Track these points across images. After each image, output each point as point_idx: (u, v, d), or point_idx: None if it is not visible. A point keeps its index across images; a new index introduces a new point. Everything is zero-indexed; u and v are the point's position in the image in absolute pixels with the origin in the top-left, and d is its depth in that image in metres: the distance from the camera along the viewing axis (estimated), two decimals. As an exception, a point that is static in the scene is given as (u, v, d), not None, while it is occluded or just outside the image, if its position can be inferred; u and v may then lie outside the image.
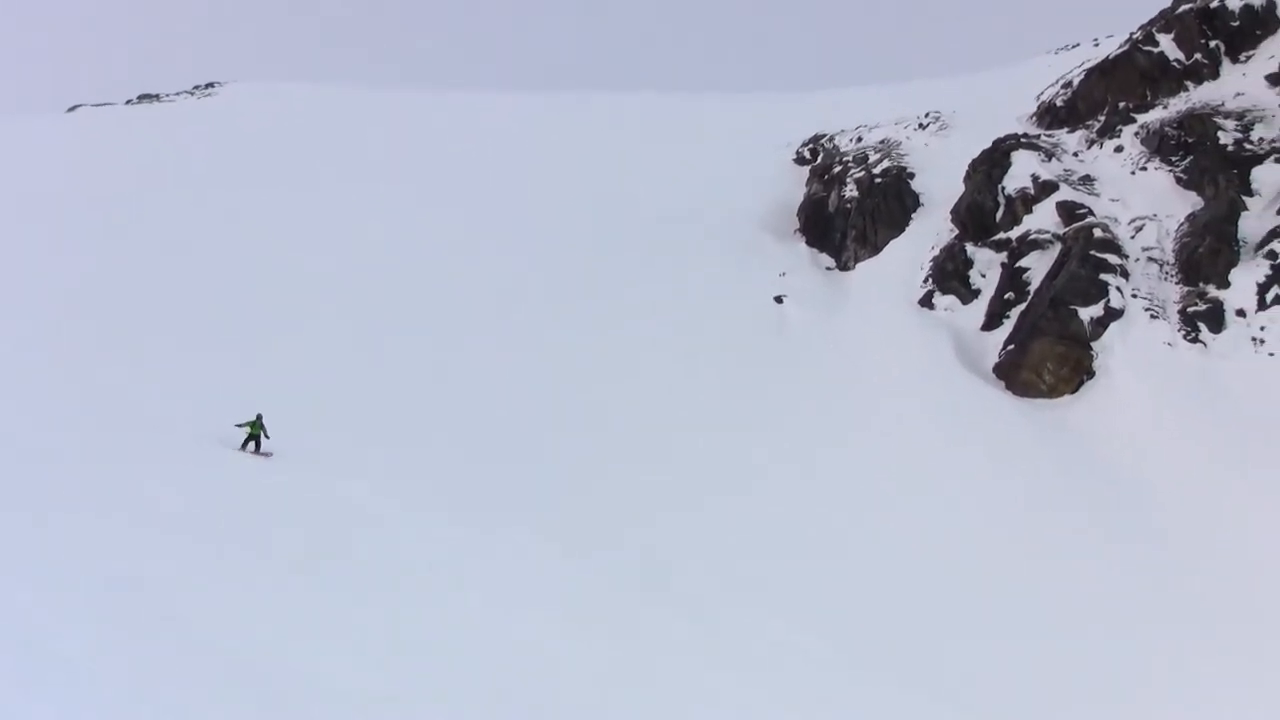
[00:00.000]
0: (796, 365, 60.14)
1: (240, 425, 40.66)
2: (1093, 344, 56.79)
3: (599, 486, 45.79)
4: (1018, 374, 57.22)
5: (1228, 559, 44.00)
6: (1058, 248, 60.81)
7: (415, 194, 78.32)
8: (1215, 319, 57.05)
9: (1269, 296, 57.24)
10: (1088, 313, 57.33)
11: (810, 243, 73.53)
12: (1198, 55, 68.50)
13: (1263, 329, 56.29)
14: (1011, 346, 58.40)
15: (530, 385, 54.41)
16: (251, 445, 40.57)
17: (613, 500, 44.59)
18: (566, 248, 70.61)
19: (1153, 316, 57.34)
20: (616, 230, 74.09)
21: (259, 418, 40.82)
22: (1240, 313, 57.18)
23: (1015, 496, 48.73)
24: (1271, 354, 55.27)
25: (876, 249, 69.17)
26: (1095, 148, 67.42)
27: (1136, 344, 56.20)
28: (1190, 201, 61.98)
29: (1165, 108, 67.21)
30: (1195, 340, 56.44)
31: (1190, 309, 57.68)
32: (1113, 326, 56.96)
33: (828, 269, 70.59)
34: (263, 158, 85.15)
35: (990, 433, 53.30)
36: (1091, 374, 56.34)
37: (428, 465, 43.86)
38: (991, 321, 60.90)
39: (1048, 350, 57.04)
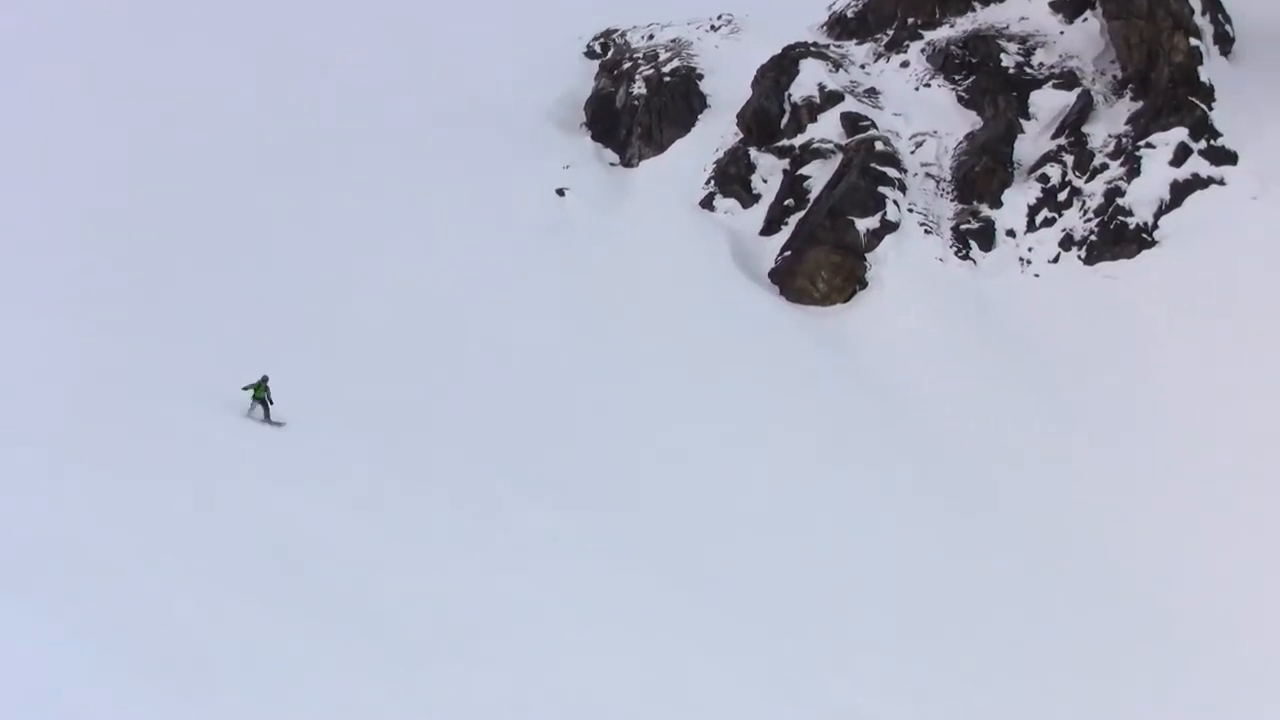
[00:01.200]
0: (576, 259, 59.30)
1: (246, 388, 37.94)
2: (867, 255, 57.39)
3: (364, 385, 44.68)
4: (792, 280, 57.56)
5: (984, 470, 45.53)
6: (839, 158, 61.04)
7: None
8: (986, 237, 58.31)
9: (1038, 219, 58.71)
10: (864, 224, 57.83)
11: (596, 137, 72.45)
12: (987, -24, 69.18)
13: (1030, 250, 57.78)
14: (788, 253, 58.65)
15: (298, 280, 52.00)
16: (259, 410, 37.81)
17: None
18: (337, 132, 67.49)
19: (927, 232, 58.23)
20: (396, 113, 71.60)
21: (264, 380, 37.91)
22: (1010, 233, 58.54)
23: (783, 400, 49.16)
24: (1037, 275, 56.80)
25: (661, 148, 68.53)
26: (882, 61, 67.74)
27: (909, 258, 57.01)
28: (970, 121, 62.93)
29: (952, 26, 67.72)
30: (966, 257, 57.60)
31: (963, 226, 58.77)
32: (888, 239, 57.62)
33: (612, 165, 69.70)
34: None
35: (762, 336, 53.61)
36: (864, 284, 57.00)
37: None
38: (770, 227, 60.97)
39: (823, 259, 57.48)
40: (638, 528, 38.12)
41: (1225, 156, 57.85)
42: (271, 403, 37.92)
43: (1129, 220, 56.84)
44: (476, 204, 62.02)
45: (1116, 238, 56.82)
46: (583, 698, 25.64)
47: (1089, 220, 57.73)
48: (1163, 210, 56.89)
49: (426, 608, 27.11)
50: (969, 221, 58.80)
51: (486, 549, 33.15)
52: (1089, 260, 56.83)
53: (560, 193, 64.77)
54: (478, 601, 28.93)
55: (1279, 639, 37.29)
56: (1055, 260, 57.21)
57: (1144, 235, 56.53)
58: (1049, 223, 58.45)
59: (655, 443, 44.47)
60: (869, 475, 44.94)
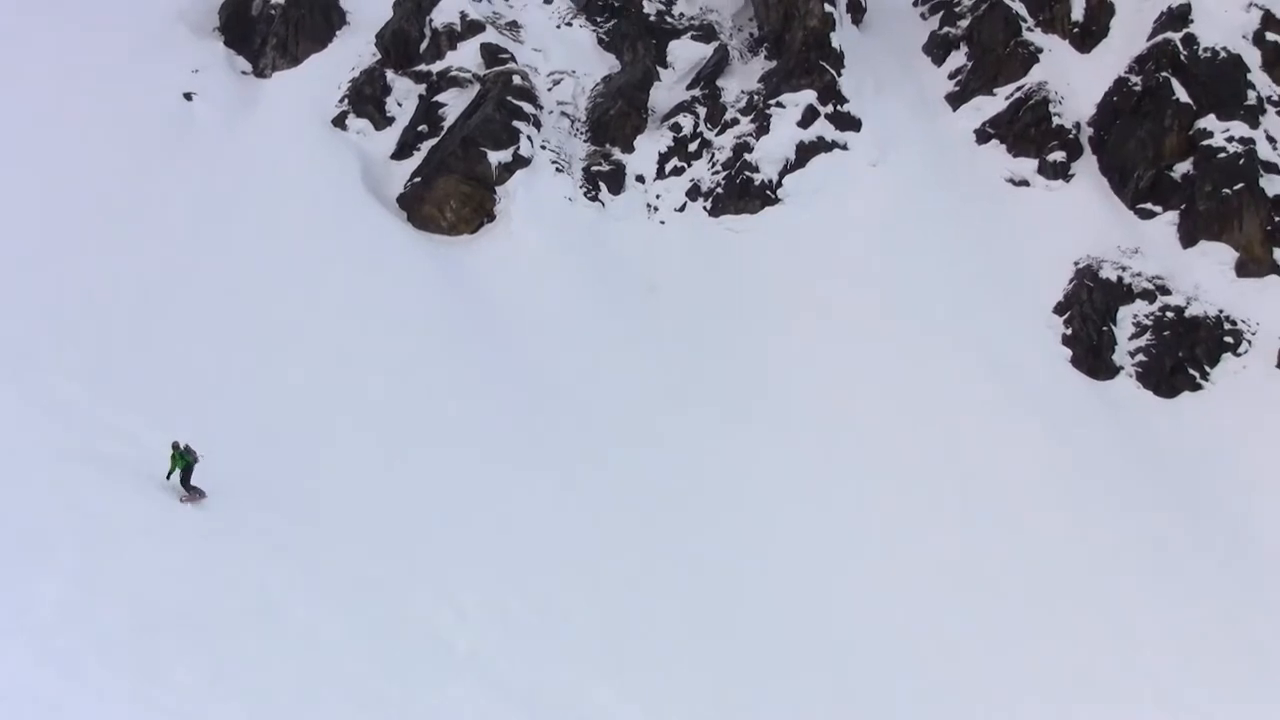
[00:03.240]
0: (201, 168, 56.19)
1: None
2: (497, 188, 56.89)
3: None
4: (420, 207, 56.46)
5: (591, 410, 46.00)
6: (476, 88, 60.18)
7: None
8: (616, 181, 58.75)
9: (668, 167, 59.60)
10: (496, 157, 57.26)
11: (229, 44, 68.96)
12: (636, -80, 69.25)
13: (658, 197, 58.62)
14: (418, 179, 57.47)
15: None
16: (179, 478, 31.82)
17: None
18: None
19: (558, 170, 58.15)
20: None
21: (180, 448, 31.89)
22: (640, 179, 59.18)
23: (405, 324, 48.35)
24: (663, 222, 57.69)
25: (296, 61, 65.83)
26: (528, -4, 67.11)
27: (539, 194, 56.85)
28: (609, 64, 63.15)
29: (597, -32, 67.71)
30: (595, 199, 57.89)
31: (594, 168, 59.00)
32: (519, 174, 57.26)
33: (244, 73, 66.64)
34: None
35: (385, 262, 52.19)
36: (492, 217, 56.52)
37: None
38: (402, 151, 59.56)
39: (452, 188, 56.62)
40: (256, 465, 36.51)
41: (849, 122, 60.07)
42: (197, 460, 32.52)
43: (755, 176, 58.40)
44: (92, 105, 58.03)
45: (742, 192, 58.28)
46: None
47: (717, 173, 58.99)
48: (787, 169, 58.73)
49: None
50: (600, 164, 59.05)
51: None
52: (714, 212, 58.13)
53: (188, 97, 61.50)
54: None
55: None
56: (682, 209, 58.24)
57: (768, 192, 58.22)
58: (678, 171, 59.45)
59: (257, 371, 42.62)
60: (478, 406, 44.66)
